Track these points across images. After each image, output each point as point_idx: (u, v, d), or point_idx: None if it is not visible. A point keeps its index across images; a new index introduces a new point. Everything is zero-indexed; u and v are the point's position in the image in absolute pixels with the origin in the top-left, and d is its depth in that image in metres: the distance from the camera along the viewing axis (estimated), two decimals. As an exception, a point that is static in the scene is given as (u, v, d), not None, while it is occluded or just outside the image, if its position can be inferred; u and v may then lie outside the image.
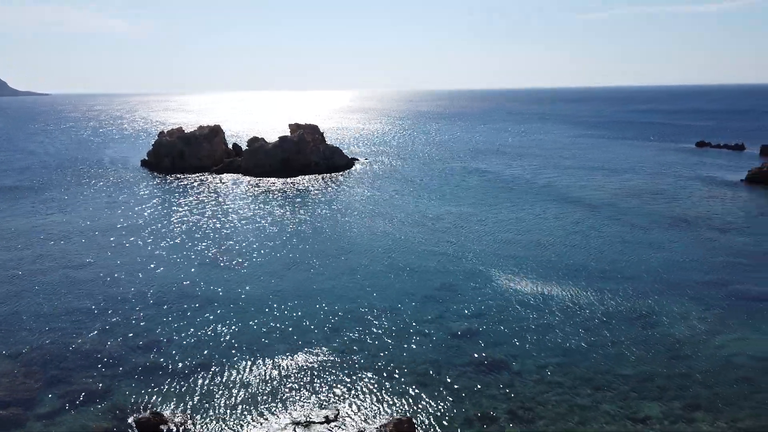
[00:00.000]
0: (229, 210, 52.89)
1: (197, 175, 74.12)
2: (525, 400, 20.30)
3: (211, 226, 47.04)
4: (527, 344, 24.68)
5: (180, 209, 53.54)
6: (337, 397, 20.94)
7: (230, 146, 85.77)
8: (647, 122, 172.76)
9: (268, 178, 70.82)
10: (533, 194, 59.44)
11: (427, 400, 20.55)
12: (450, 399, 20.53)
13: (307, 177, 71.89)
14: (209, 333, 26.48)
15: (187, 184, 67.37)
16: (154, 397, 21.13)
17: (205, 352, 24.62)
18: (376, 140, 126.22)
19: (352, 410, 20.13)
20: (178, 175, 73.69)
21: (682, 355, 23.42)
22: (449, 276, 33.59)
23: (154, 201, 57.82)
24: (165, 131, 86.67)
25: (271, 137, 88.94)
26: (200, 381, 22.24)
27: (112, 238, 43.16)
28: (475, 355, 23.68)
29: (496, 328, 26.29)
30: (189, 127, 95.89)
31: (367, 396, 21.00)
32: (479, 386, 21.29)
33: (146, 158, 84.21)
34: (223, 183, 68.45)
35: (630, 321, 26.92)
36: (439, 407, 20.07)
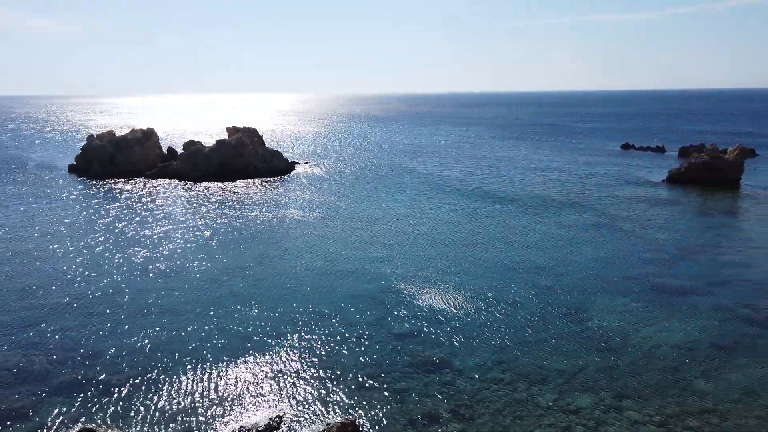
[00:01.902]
0: (163, 215, 51.23)
1: (129, 180, 71.35)
2: (466, 397, 20.78)
3: (142, 232, 45.42)
4: (467, 342, 25.26)
5: (109, 215, 51.41)
6: (279, 403, 20.72)
7: (165, 150, 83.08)
8: (578, 125, 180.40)
9: (205, 183, 69.08)
10: (466, 195, 60.88)
11: (370, 402, 20.68)
12: (393, 400, 20.74)
13: (245, 181, 70.66)
14: (142, 343, 25.57)
15: (118, 189, 64.72)
16: (84, 413, 20.20)
17: (139, 363, 23.76)
18: (318, 143, 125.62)
19: (295, 415, 19.98)
20: (109, 180, 70.70)
21: (611, 348, 24.62)
22: (389, 278, 33.90)
23: (81, 207, 55.24)
24: (94, 134, 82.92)
25: (208, 140, 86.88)
26: (134, 394, 21.45)
27: (32, 246, 40.91)
28: (417, 356, 24.02)
29: (437, 328, 26.77)
30: (120, 130, 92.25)
31: (311, 400, 20.90)
32: (421, 386, 21.61)
33: (74, 163, 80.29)
34: (157, 188, 66.19)
35: (563, 316, 28.05)
36: (383, 408, 20.23)
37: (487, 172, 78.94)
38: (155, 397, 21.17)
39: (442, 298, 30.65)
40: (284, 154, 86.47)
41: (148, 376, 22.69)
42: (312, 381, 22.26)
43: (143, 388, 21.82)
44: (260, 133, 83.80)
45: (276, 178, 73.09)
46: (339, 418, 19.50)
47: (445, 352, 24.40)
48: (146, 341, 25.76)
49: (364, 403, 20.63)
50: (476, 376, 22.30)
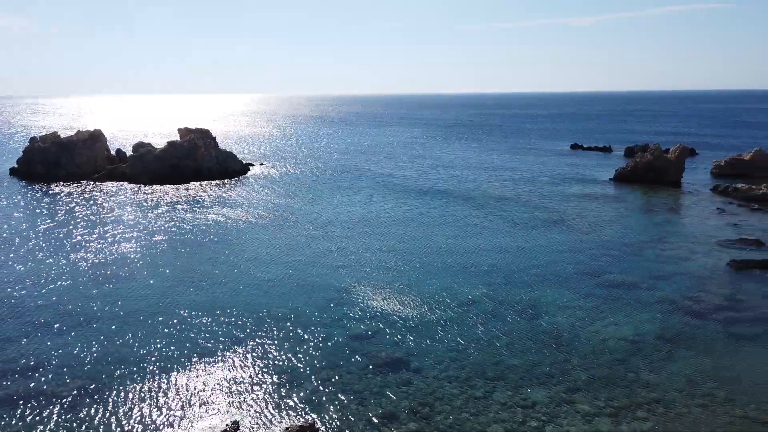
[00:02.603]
0: (111, 219, 49.61)
1: (75, 183, 68.74)
2: (424, 396, 20.98)
3: (89, 237, 43.86)
4: (424, 341, 25.51)
5: (53, 220, 49.41)
6: (235, 410, 20.40)
7: (113, 152, 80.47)
8: (528, 126, 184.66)
9: (157, 186, 67.23)
10: (420, 195, 61.47)
11: (328, 404, 20.61)
12: (351, 401, 20.74)
13: (199, 183, 69.18)
14: (88, 352, 24.69)
15: (63, 193, 62.25)
16: (25, 427, 19.35)
17: (85, 373, 22.92)
18: (274, 144, 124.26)
19: (252, 421, 19.72)
20: (53, 184, 67.90)
21: (564, 342, 25.34)
22: (345, 280, 33.87)
23: (23, 212, 52.92)
24: (37, 137, 79.49)
25: (159, 142, 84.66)
26: (79, 405, 20.68)
27: (-26, 256, 38.92)
28: (374, 356, 24.09)
29: (393, 329, 26.91)
30: (65, 132, 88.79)
31: (267, 405, 20.67)
32: (380, 386, 21.69)
33: (15, 166, 76.74)
34: (105, 191, 64.04)
35: (516, 313, 28.69)
36: (341, 410, 20.20)
37: (442, 171, 79.86)
38: (102, 409, 20.48)
39: (397, 298, 30.84)
40: (239, 156, 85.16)
41: (94, 386, 21.92)
42: (268, 385, 22.02)
43: (89, 399, 21.07)
44: (214, 135, 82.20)
45: (230, 180, 71.87)
46: (297, 422, 19.37)
47: (402, 351, 24.56)
48: (93, 351, 24.88)
49: (322, 405, 20.55)
50: (433, 374, 22.55)
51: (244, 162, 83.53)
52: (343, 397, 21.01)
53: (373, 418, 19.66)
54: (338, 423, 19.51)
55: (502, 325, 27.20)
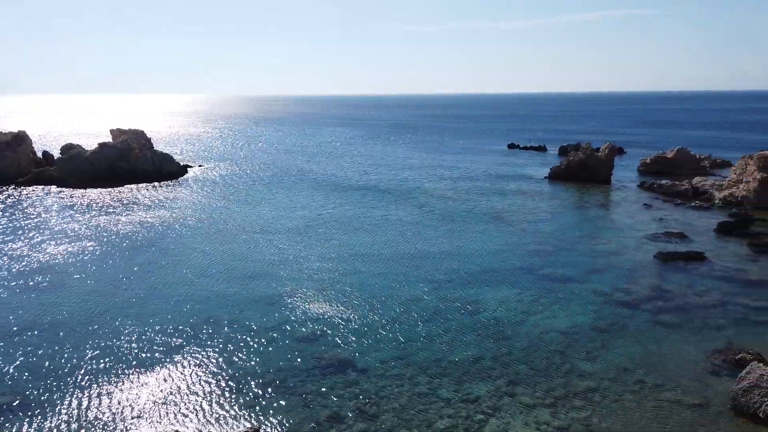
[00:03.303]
0: (39, 225, 47.00)
1: (-3, 187, 64.67)
2: (370, 395, 21.05)
3: (14, 244, 41.40)
4: (368, 341, 25.59)
5: (-24, 228, 46.29)
6: (178, 419, 19.79)
7: (39, 154, 76.20)
8: (469, 125, 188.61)
9: (88, 189, 64.22)
10: (362, 195, 61.62)
11: (274, 408, 20.34)
12: (297, 404, 20.55)
13: (134, 186, 66.60)
14: (16, 366, 23.31)
15: (-16, 199, 58.41)
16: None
17: (12, 387, 21.63)
18: (212, 145, 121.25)
19: (194, 429, 19.18)
20: (-28, 189, 63.59)
21: (504, 336, 26.05)
22: (287, 282, 33.51)
23: (-60, 220, 49.29)
24: (-49, 138, 74.12)
25: (91, 143, 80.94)
26: (5, 424, 19.51)
27: None
28: (320, 358, 23.97)
29: (338, 329, 26.86)
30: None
31: (211, 413, 20.16)
32: (325, 388, 21.60)
33: (-73, 170, 71.32)
34: (31, 196, 60.59)
35: (458, 309, 29.25)
36: (287, 414, 19.98)
37: (383, 171, 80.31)
38: (26, 427, 19.39)
39: (340, 299, 30.79)
40: (176, 157, 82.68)
41: (18, 402, 20.70)
42: (209, 393, 21.48)
43: (12, 416, 19.89)
44: (149, 136, 79.37)
45: (167, 183, 69.57)
46: (241, 428, 19.01)
47: (347, 352, 24.55)
48: (17, 364, 23.50)
49: (267, 410, 20.25)
50: (379, 373, 22.66)
51: (182, 163, 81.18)
52: (288, 401, 20.78)
53: (319, 421, 19.55)
54: (283, 427, 19.28)
55: (444, 322, 27.66)
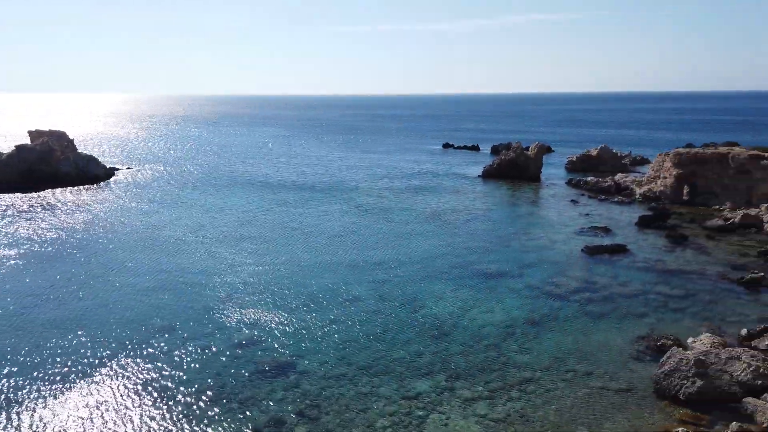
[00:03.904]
0: (-51, 235, 43.59)
1: None
2: (311, 397, 20.91)
3: None
4: (309, 343, 25.41)
5: None
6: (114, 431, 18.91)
7: (-56, 157, 70.55)
8: (404, 125, 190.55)
9: (3, 194, 60.12)
10: (299, 195, 61.12)
11: (210, 416, 19.81)
12: (237, 410, 20.11)
13: (56, 190, 62.99)
14: (-70, 388, 21.56)
15: None
16: None
17: (-73, 412, 20.00)
18: (140, 147, 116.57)
19: (128, 444, 18.39)
20: None
21: (444, 332, 26.55)
22: (224, 286, 32.76)
23: None
24: None
25: (5, 146, 75.82)
26: None
27: None
28: (260, 362, 23.56)
29: (279, 332, 26.51)
30: None
31: (143, 423, 19.39)
32: (266, 392, 21.26)
33: None
34: (-62, 202, 56.07)
35: (399, 307, 29.55)
36: (224, 421, 19.51)
37: (319, 171, 79.92)
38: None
39: (279, 302, 30.39)
40: (102, 160, 78.92)
41: (-63, 425, 19.20)
42: (142, 404, 20.66)
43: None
44: (71, 137, 75.25)
45: (92, 186, 66.27)
46: (179, 439, 18.39)
47: (287, 355, 24.26)
48: (-68, 385, 21.74)
49: (203, 419, 19.69)
50: (319, 375, 22.54)
51: (108, 166, 77.62)
52: (225, 408, 20.29)
53: (258, 426, 19.21)
54: (223, 435, 18.82)
55: (385, 321, 27.86)
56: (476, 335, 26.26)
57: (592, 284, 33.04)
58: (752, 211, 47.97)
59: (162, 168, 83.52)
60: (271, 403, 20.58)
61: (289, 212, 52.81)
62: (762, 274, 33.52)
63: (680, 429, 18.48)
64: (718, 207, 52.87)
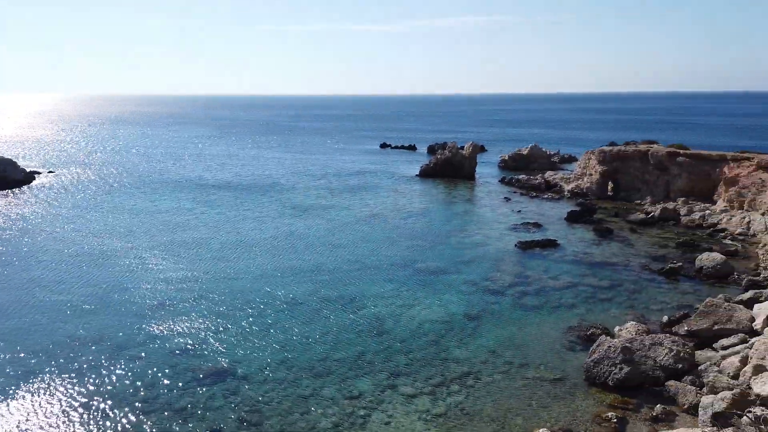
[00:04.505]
0: None
1: None
2: (252, 403, 20.53)
3: None
4: (249, 347, 24.93)
5: None
6: (34, 453, 17.84)
7: None
8: (338, 127, 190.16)
9: None
10: (233, 197, 59.89)
11: (149, 427, 19.07)
12: (174, 419, 19.45)
13: (-35, 196, 58.63)
14: None
15: None
16: None
17: None
18: (63, 150, 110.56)
19: (56, 463, 17.42)
20: None
21: (384, 331, 26.73)
22: (154, 294, 31.60)
23: None
24: None
25: None
26: None
27: None
28: (198, 369, 22.89)
29: (215, 339, 25.85)
30: None
31: (75, 442, 18.43)
32: (204, 400, 20.69)
33: None
34: None
35: (340, 308, 29.50)
36: (163, 431, 18.85)
37: (254, 172, 78.54)
38: None
39: (214, 307, 29.63)
40: (20, 163, 74.23)
41: None
42: (74, 421, 19.61)
43: None
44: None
45: (11, 191, 62.19)
46: (112, 454, 17.60)
47: (226, 361, 23.70)
48: None
49: (141, 429, 18.94)
50: (260, 379, 22.17)
51: (28, 170, 73.09)
52: (161, 418, 19.59)
53: (199, 435, 18.68)
54: (160, 446, 18.16)
55: (327, 322, 27.74)
56: (416, 332, 26.61)
57: (525, 278, 34.19)
58: (670, 205, 51.14)
59: (87, 171, 79.52)
60: (210, 410, 20.04)
61: (223, 214, 51.55)
62: (680, 264, 35.80)
63: (610, 414, 19.45)
64: (639, 201, 56.00)
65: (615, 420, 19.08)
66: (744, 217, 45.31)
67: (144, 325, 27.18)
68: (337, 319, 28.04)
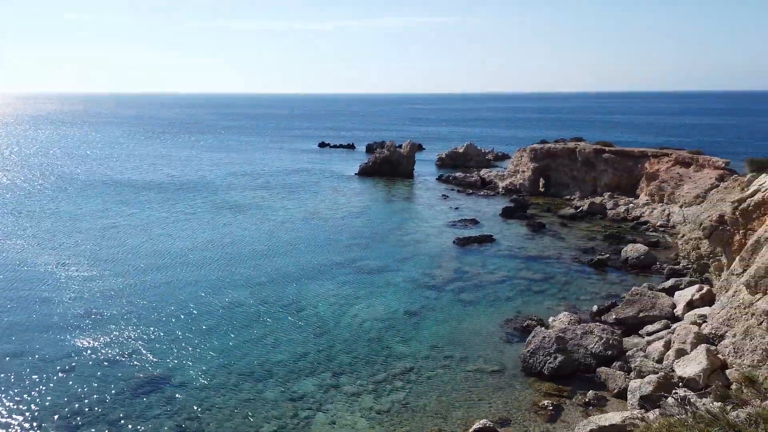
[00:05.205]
0: None
1: None
2: (190, 410, 19.92)
3: None
4: (187, 353, 24.17)
5: None
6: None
7: None
8: (274, 125, 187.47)
9: None
10: (164, 198, 57.92)
11: (79, 443, 18.13)
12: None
13: None
14: None
15: None
16: None
17: None
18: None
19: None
20: None
21: (326, 331, 26.60)
22: (80, 302, 30.08)
23: None
24: None
25: None
26: None
27: None
28: (132, 379, 21.97)
29: (149, 347, 24.88)
30: None
31: (-3, 462, 17.28)
32: (140, 411, 19.88)
33: None
34: None
35: (281, 309, 29.10)
36: (95, 447, 17.96)
37: (188, 173, 76.20)
38: None
39: (148, 314, 28.53)
40: None
41: None
42: (14, 428, 18.39)
43: None
44: None
45: None
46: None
47: (162, 368, 22.87)
48: None
49: (70, 446, 17.98)
50: (199, 385, 21.55)
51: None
52: (97, 431, 18.68)
53: (135, 447, 17.95)
54: (92, 461, 17.31)
55: (266, 324, 27.29)
56: (359, 330, 26.64)
57: (463, 273, 34.92)
58: (597, 200, 53.63)
59: (1, 174, 74.54)
60: (145, 421, 19.29)
61: (154, 217, 49.67)
62: (607, 255, 37.64)
63: (546, 401, 20.20)
64: (569, 197, 58.42)
65: (551, 407, 19.84)
66: (664, 210, 48.18)
67: (70, 337, 25.79)
68: (277, 322, 27.65)
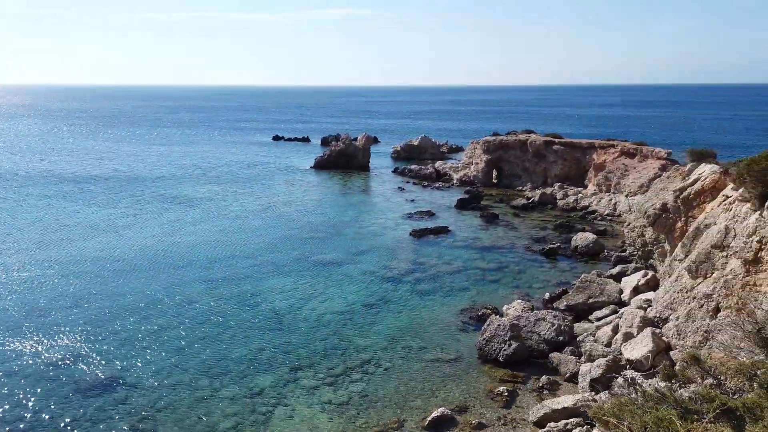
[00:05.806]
0: None
1: None
2: (145, 410, 19.43)
3: None
4: (139, 353, 23.53)
5: None
6: None
7: None
8: (232, 118, 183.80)
9: None
10: (112, 194, 56.09)
11: (25, 449, 17.42)
12: (56, 438, 17.93)
13: None
14: None
15: None
16: None
17: None
18: None
19: None
20: None
21: (284, 325, 26.39)
22: (23, 306, 28.85)
23: None
24: None
25: None
26: None
27: None
28: (82, 381, 21.23)
29: (97, 348, 24.09)
30: None
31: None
32: (91, 413, 19.25)
33: None
34: None
35: (238, 305, 28.67)
36: (44, 452, 17.30)
37: (137, 168, 73.89)
38: None
39: (94, 314, 27.58)
40: None
41: None
42: (-66, 448, 17.47)
43: None
44: None
45: None
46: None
47: (114, 369, 22.20)
48: None
49: (16, 453, 17.26)
50: (152, 385, 21.03)
51: None
52: (43, 437, 17.99)
53: (86, 450, 17.39)
54: (41, 467, 16.67)
55: (222, 321, 26.84)
56: (317, 324, 26.55)
57: (420, 265, 35.26)
58: (548, 190, 55.03)
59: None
60: (98, 423, 18.69)
61: (99, 212, 47.97)
62: (558, 244, 38.73)
63: (501, 388, 20.69)
64: (521, 188, 59.74)
65: (506, 393, 20.33)
66: (611, 199, 49.91)
67: (11, 339, 24.68)
68: (233, 317, 27.24)
